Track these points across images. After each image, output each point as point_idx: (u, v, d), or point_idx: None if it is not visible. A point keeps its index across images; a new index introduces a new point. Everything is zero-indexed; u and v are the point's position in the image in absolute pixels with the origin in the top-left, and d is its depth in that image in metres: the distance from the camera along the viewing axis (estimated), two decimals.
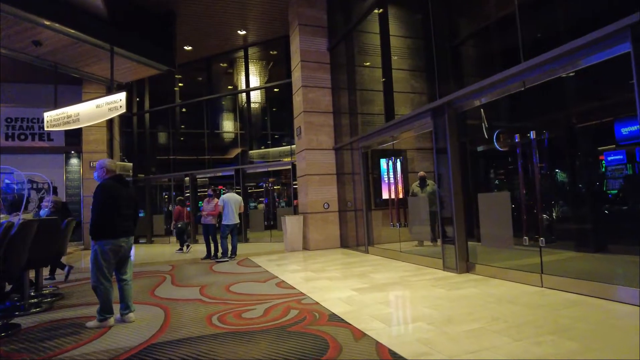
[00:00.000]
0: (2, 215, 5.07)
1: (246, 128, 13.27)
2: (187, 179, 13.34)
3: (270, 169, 12.87)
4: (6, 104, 13.04)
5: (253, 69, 13.34)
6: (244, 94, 13.28)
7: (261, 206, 13.64)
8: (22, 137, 13.97)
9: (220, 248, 8.43)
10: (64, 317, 4.25)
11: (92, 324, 3.75)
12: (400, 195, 7.95)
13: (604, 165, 5.99)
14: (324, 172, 9.57)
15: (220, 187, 13.74)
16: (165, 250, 10.91)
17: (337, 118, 9.77)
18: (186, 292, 5.19)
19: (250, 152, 13.13)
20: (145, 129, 14.84)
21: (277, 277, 5.98)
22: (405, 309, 3.94)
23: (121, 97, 8.40)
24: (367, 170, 8.65)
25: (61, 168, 14.05)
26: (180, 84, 14.46)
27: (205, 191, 9.21)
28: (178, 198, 11.04)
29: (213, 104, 14.17)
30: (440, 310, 3.75)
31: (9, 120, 13.89)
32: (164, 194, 15.01)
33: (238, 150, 13.58)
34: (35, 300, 4.83)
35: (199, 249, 10.47)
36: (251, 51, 13.01)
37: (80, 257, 10.24)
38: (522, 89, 4.66)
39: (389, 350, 2.81)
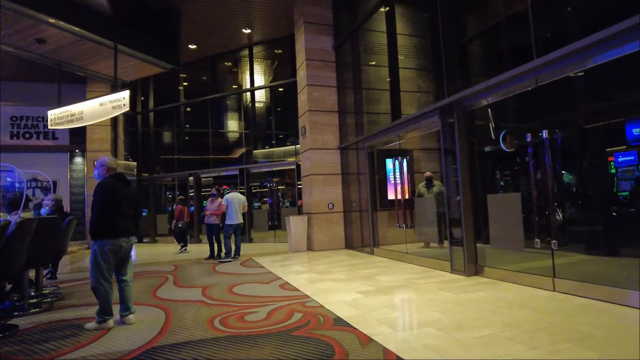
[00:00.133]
0: (1, 214, 4.99)
1: (251, 127, 13.19)
2: (191, 178, 13.28)
3: (274, 168, 12.77)
4: (6, 102, 13.03)
5: (258, 68, 13.26)
6: (248, 93, 13.19)
7: (265, 206, 13.56)
8: (27, 135, 13.98)
9: (223, 248, 8.34)
10: (63, 317, 4.16)
11: (90, 325, 3.66)
12: (407, 196, 7.81)
13: (612, 166, 5.83)
14: (329, 172, 9.45)
15: (224, 186, 13.68)
16: (168, 249, 10.84)
17: (342, 117, 9.65)
18: (188, 293, 5.09)
19: (255, 151, 13.05)
20: (149, 128, 14.80)
21: (280, 278, 5.88)
22: (413, 313, 3.82)
23: (125, 95, 8.34)
24: (373, 170, 8.52)
25: (65, 167, 14.04)
26: (184, 83, 14.41)
27: (209, 191, 9.12)
28: (179, 197, 10.94)
29: (217, 103, 14.10)
30: (449, 314, 3.62)
31: (14, 118, 13.90)
32: (167, 193, 14.96)
33: (242, 150, 13.50)
34: (35, 300, 4.76)
35: (198, 249, 10.39)
36: (256, 50, 12.92)
37: (83, 256, 10.19)
38: (533, 87, 4.52)
39: (397, 357, 2.69)
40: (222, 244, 8.38)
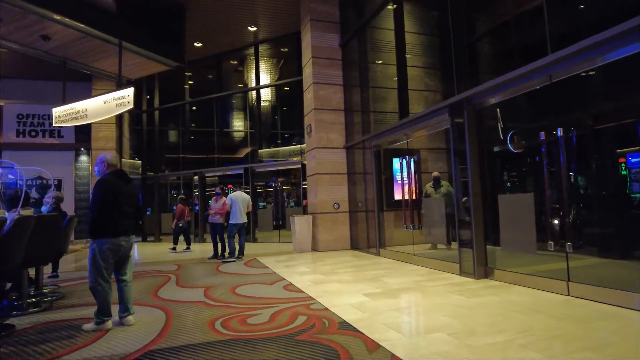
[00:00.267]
0: (0, 211, 4.91)
1: (256, 127, 13.08)
2: (195, 177, 13.20)
3: (279, 167, 12.65)
4: (6, 100, 13.03)
5: (263, 67, 13.15)
6: (254, 92, 13.09)
7: (270, 205, 13.44)
8: (33, 133, 13.98)
9: (227, 248, 8.23)
10: (62, 318, 4.06)
11: (88, 326, 3.55)
12: (414, 196, 7.65)
13: (623, 167, 5.65)
14: (335, 172, 9.31)
15: (229, 185, 13.59)
16: (177, 247, 10.72)
17: (348, 116, 9.51)
18: (190, 294, 4.98)
19: (260, 151, 12.94)
20: (154, 126, 14.74)
21: (284, 279, 5.75)
22: (422, 317, 3.66)
23: (129, 92, 8.25)
24: (379, 170, 8.37)
25: (70, 165, 14.03)
26: (190, 82, 14.34)
27: (214, 190, 9.01)
28: (180, 197, 10.82)
29: (223, 102, 14.02)
30: (459, 319, 3.47)
31: (20, 116, 13.91)
32: (172, 192, 14.91)
33: (248, 150, 13.41)
34: (34, 299, 4.67)
35: (202, 248, 10.30)
36: (262, 48, 12.81)
37: (87, 255, 10.12)
38: (546, 83, 4.36)
39: None
40: (226, 244, 8.27)
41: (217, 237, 8.39)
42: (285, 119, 13.87)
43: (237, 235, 8.19)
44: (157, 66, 10.67)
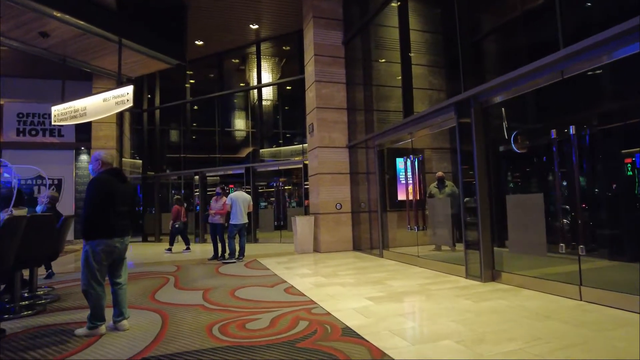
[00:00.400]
0: None
1: (257, 126, 12.95)
2: (196, 177, 13.07)
3: (281, 167, 12.50)
4: (7, 99, 12.93)
5: (265, 65, 13.01)
6: (255, 91, 12.94)
7: (271, 206, 13.30)
8: (33, 132, 13.89)
9: (227, 249, 8.09)
10: (55, 321, 3.92)
11: (81, 331, 3.41)
12: (418, 197, 7.48)
13: (629, 168, 5.49)
14: (337, 171, 9.16)
15: (230, 185, 13.45)
16: (173, 249, 10.60)
17: (351, 115, 9.35)
18: (188, 297, 4.83)
19: (262, 150, 12.80)
20: (155, 125, 14.62)
21: (285, 281, 5.60)
22: (428, 323, 3.50)
23: (128, 90, 8.12)
24: (383, 170, 8.21)
25: (71, 164, 13.93)
26: (191, 81, 14.21)
27: (215, 190, 8.87)
28: (175, 197, 10.65)
29: (224, 101, 13.88)
30: (468, 325, 3.31)
31: (20, 115, 13.82)
32: (173, 192, 14.77)
33: (249, 149, 13.27)
34: (28, 302, 4.53)
35: (202, 249, 10.16)
36: (263, 46, 12.67)
37: None
38: (557, 80, 4.20)
39: None
40: (227, 244, 8.13)
41: (217, 237, 8.25)
42: (287, 118, 13.73)
43: (237, 236, 8.05)
44: (157, 64, 10.54)
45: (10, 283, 4.36)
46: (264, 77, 12.83)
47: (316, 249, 9.02)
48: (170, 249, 9.94)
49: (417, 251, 6.82)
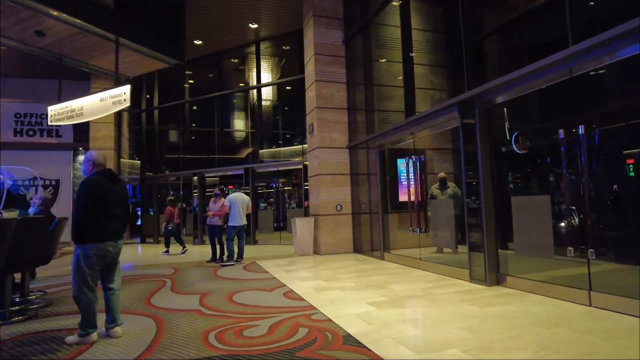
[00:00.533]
0: None
1: (257, 126, 12.81)
2: (195, 178, 12.93)
3: (280, 168, 12.37)
4: (4, 99, 12.81)
5: (265, 65, 12.89)
6: (255, 92, 12.81)
7: (270, 207, 13.16)
8: (31, 132, 13.77)
9: (226, 251, 7.95)
10: (46, 328, 3.79)
11: (71, 339, 3.28)
12: (420, 198, 7.35)
13: (631, 169, 5.37)
14: (337, 172, 9.03)
15: (230, 186, 13.32)
16: (170, 250, 10.47)
17: (352, 115, 9.22)
18: (184, 301, 4.70)
19: (261, 151, 12.67)
20: (154, 126, 14.48)
21: (285, 285, 5.46)
22: (433, 331, 3.37)
23: (125, 90, 8.00)
24: (384, 171, 8.08)
25: (69, 165, 13.81)
26: (190, 81, 14.08)
27: (213, 191, 8.74)
28: (168, 198, 10.48)
29: (224, 101, 13.75)
30: (474, 332, 3.18)
31: (17, 115, 13.69)
32: (172, 192, 14.64)
33: (248, 150, 13.14)
34: (19, 307, 4.39)
35: (201, 251, 10.02)
36: (263, 46, 12.54)
37: None
38: (565, 78, 4.08)
39: None
40: (225, 247, 7.99)
41: (216, 239, 8.12)
42: (286, 119, 13.60)
43: (236, 238, 7.92)
44: (156, 64, 10.42)
45: (0, 287, 4.22)
46: (264, 77, 12.70)
47: (316, 251, 8.88)
48: (167, 251, 9.81)
49: (419, 253, 6.69)
